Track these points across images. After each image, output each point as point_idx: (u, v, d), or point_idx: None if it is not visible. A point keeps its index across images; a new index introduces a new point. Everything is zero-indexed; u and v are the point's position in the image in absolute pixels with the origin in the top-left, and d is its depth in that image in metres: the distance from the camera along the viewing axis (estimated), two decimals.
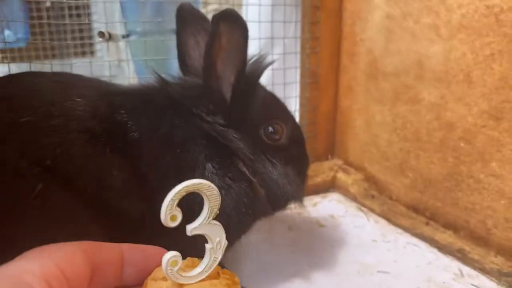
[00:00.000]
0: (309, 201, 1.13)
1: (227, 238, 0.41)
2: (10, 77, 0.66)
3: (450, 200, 0.91)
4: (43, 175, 0.54)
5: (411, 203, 1.01)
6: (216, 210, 0.39)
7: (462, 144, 0.87)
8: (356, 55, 1.11)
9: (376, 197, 1.09)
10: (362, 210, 1.08)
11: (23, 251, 0.41)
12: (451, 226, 0.92)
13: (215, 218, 0.39)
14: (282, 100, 0.81)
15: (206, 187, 0.38)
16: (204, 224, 0.39)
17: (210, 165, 0.66)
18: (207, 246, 0.40)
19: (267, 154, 0.71)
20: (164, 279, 0.39)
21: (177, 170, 0.64)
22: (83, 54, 1.67)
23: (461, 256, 0.86)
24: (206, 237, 0.40)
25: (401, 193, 1.03)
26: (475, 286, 0.79)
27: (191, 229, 0.39)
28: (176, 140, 0.65)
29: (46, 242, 0.47)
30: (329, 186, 1.19)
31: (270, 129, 0.72)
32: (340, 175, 1.17)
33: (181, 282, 0.39)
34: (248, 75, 0.70)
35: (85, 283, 0.38)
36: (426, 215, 0.97)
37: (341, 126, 1.20)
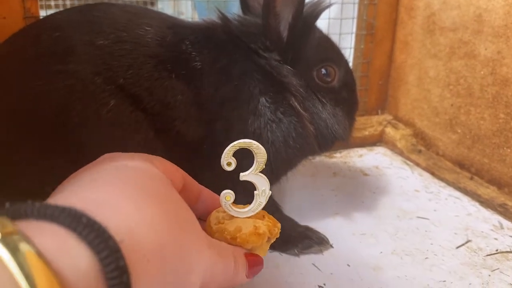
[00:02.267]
0: (355, 152, 1.17)
1: (275, 170, 0.53)
2: (88, 6, 0.73)
3: (497, 156, 0.92)
4: (115, 93, 0.61)
5: (457, 159, 1.02)
6: (262, 165, 0.48)
7: None
8: (414, 9, 1.10)
9: (423, 152, 1.10)
10: (407, 164, 1.10)
11: (96, 157, 0.47)
12: (496, 182, 0.93)
13: (261, 172, 0.49)
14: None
15: (255, 146, 0.48)
16: (252, 174, 0.49)
17: (264, 99, 0.70)
18: (255, 192, 0.50)
19: (318, 94, 0.74)
20: (223, 212, 0.50)
21: (233, 101, 0.69)
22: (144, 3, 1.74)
23: (503, 211, 0.88)
24: (254, 184, 0.49)
25: (448, 148, 1.04)
26: None
27: (242, 175, 0.49)
28: (234, 73, 0.69)
29: (116, 150, 0.54)
30: (376, 140, 1.21)
31: (323, 71, 0.74)
32: (389, 130, 1.19)
33: (233, 214, 0.50)
34: (305, 16, 0.72)
35: (180, 184, 0.48)
36: (471, 170, 0.98)
37: (394, 81, 1.21)
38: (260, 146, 0.48)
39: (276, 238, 0.77)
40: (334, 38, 0.81)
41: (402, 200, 0.93)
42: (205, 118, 0.67)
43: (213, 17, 0.76)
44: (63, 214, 0.30)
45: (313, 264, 0.71)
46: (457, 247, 0.77)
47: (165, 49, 0.66)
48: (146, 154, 0.47)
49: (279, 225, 0.51)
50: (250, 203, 0.51)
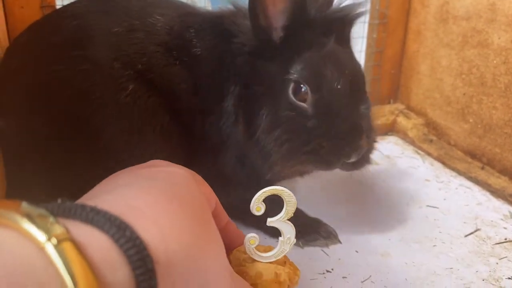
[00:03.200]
0: None
1: None
2: None
3: (509, 146, 0.92)
4: (134, 78, 0.63)
5: (468, 148, 1.02)
6: (291, 214, 0.50)
7: None
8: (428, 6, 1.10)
9: (435, 141, 1.10)
10: (418, 153, 1.10)
11: (112, 139, 0.49)
12: (507, 172, 0.93)
13: (289, 220, 0.50)
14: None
15: (286, 194, 0.49)
16: (280, 221, 0.50)
17: (234, 92, 0.68)
18: (280, 238, 0.50)
19: (281, 107, 0.66)
20: (244, 253, 0.50)
21: (219, 94, 0.68)
22: None
23: None
24: (281, 231, 0.50)
25: (460, 138, 1.04)
26: None
27: (270, 221, 0.50)
28: (226, 64, 0.68)
29: (133, 132, 0.55)
30: (388, 130, 1.21)
31: (297, 88, 0.65)
32: (400, 119, 1.19)
33: (255, 258, 0.50)
34: (312, 20, 0.66)
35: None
36: (483, 160, 0.98)
37: (406, 71, 1.21)
38: (292, 194, 0.49)
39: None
40: None
41: (412, 189, 0.94)
42: (203, 108, 0.68)
43: (229, 6, 0.76)
44: (108, 223, 0.31)
45: (322, 250, 0.72)
46: (466, 236, 0.78)
47: (172, 37, 0.68)
48: (188, 169, 0.46)
49: (299, 272, 0.53)
50: (249, 201, 0.49)
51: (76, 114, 0.61)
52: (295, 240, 0.50)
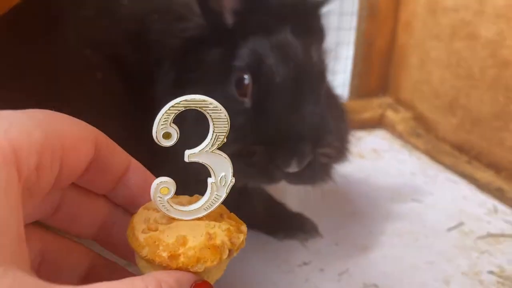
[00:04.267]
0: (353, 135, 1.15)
1: None
2: None
3: (496, 140, 0.90)
4: (102, 64, 0.62)
5: (456, 142, 1.01)
6: (222, 138, 0.32)
7: None
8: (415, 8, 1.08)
9: (423, 135, 1.09)
10: (405, 147, 1.09)
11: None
12: (494, 166, 0.91)
13: (221, 148, 0.33)
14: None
15: (211, 107, 0.31)
16: (206, 152, 0.32)
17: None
18: (209, 180, 0.33)
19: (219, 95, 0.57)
20: (157, 210, 0.33)
21: (172, 82, 0.63)
22: None
23: (499, 195, 0.87)
24: (209, 168, 0.33)
25: (448, 132, 1.03)
26: (508, 221, 0.79)
27: (189, 154, 0.32)
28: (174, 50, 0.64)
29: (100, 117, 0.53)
30: (376, 123, 1.20)
31: (246, 79, 0.58)
32: (389, 113, 1.18)
33: (172, 215, 0.33)
34: (267, 6, 0.61)
35: (84, 161, 0.33)
36: (470, 154, 0.97)
37: (396, 63, 1.19)
38: (220, 107, 0.31)
39: (263, 221, 0.74)
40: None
41: (398, 183, 0.92)
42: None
43: None
44: None
45: (300, 242, 0.71)
46: (449, 229, 0.77)
47: (135, 23, 0.65)
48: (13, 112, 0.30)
49: (244, 228, 0.35)
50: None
51: (45, 97, 0.60)
52: (233, 180, 0.33)
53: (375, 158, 1.04)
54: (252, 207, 0.72)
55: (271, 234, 0.72)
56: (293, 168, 0.55)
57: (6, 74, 0.62)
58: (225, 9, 0.60)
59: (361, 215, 0.80)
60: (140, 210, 0.35)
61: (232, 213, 0.36)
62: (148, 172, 0.37)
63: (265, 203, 0.74)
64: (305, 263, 0.66)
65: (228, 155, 0.35)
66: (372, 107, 1.19)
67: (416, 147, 1.07)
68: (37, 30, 0.63)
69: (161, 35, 0.64)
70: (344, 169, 0.97)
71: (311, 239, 0.72)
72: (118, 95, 0.62)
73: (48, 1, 0.65)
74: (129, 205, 0.37)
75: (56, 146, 0.29)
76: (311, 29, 0.63)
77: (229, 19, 0.60)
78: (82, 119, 0.33)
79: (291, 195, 0.82)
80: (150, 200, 0.33)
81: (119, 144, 0.36)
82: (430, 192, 0.89)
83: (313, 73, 0.61)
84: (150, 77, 0.62)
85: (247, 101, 0.58)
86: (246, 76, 0.58)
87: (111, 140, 0.35)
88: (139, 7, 0.67)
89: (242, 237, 0.34)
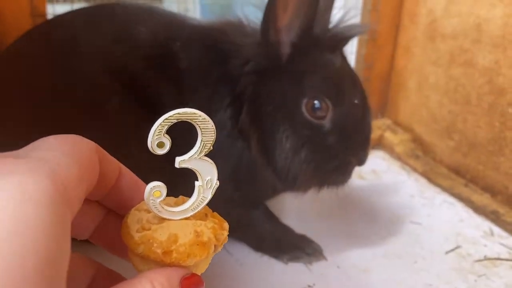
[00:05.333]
0: None
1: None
2: (94, 8, 0.75)
3: (491, 164, 0.93)
4: (119, 90, 0.63)
5: (453, 165, 1.04)
6: (209, 146, 0.35)
7: (510, 110, 0.88)
8: (417, 15, 1.12)
9: (420, 157, 1.12)
10: (404, 169, 1.11)
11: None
12: (489, 190, 0.94)
13: (207, 155, 0.36)
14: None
15: (200, 119, 0.34)
16: (194, 159, 0.36)
17: (230, 110, 0.67)
18: (196, 183, 0.36)
19: (297, 125, 0.66)
20: (148, 211, 0.37)
21: (207, 109, 0.65)
22: None
23: (494, 218, 0.89)
24: (196, 173, 0.36)
25: (445, 155, 1.06)
26: (504, 245, 0.82)
27: (180, 161, 0.35)
28: (210, 79, 0.68)
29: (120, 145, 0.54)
30: (375, 144, 1.22)
31: (316, 103, 0.66)
32: (388, 135, 1.21)
33: (163, 216, 0.36)
34: (327, 37, 0.67)
35: (95, 179, 0.34)
36: (467, 177, 1.00)
37: (394, 86, 1.22)
38: (208, 119, 0.34)
39: (269, 244, 0.77)
40: None
41: (396, 205, 0.95)
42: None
43: (220, 18, 0.75)
44: None
45: (304, 264, 0.73)
46: (447, 252, 0.79)
47: (155, 50, 0.67)
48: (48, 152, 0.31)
49: (226, 225, 0.39)
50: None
51: (62, 125, 0.62)
52: (218, 183, 0.37)
53: (374, 179, 1.06)
54: (259, 232, 0.75)
55: (276, 257, 0.75)
56: (361, 164, 0.71)
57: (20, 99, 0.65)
58: (282, 41, 0.65)
59: (362, 237, 0.82)
60: (132, 211, 0.38)
61: (215, 213, 0.39)
62: (136, 177, 0.40)
63: (271, 225, 0.76)
64: (309, 286, 0.68)
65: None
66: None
67: (415, 169, 1.10)
68: (50, 61, 0.65)
69: (195, 64, 0.67)
70: (344, 190, 1.00)
71: (316, 261, 0.74)
72: (137, 124, 0.64)
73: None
74: (120, 208, 0.40)
75: (85, 174, 0.31)
76: (344, 53, 0.73)
77: (285, 51, 0.66)
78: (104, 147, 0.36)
79: (291, 216, 0.84)
80: (139, 202, 0.38)
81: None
82: (428, 214, 0.92)
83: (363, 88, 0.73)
84: (177, 103, 0.65)
85: (326, 123, 0.66)
86: (316, 102, 0.65)
87: (103, 149, 0.37)
88: (158, 34, 0.68)
89: (225, 233, 0.37)
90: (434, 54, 1.07)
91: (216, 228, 0.36)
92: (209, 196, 0.37)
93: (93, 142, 0.35)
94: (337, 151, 0.67)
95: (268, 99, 0.66)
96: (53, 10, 0.90)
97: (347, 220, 0.88)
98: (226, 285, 0.66)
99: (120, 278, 0.41)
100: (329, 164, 0.68)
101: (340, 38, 0.70)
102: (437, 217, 0.91)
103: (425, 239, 0.83)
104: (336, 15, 0.82)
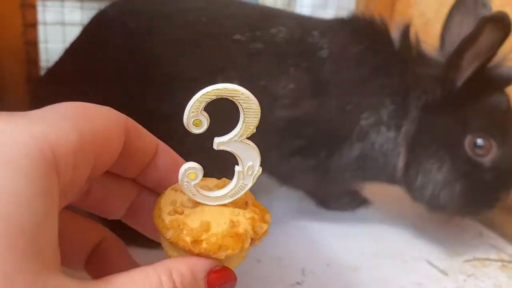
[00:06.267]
0: None
1: None
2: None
3: None
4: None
5: None
6: (252, 128, 0.32)
7: None
8: (409, 17, 1.12)
9: None
10: None
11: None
12: None
13: (250, 138, 0.33)
14: None
15: (243, 97, 0.30)
16: (235, 141, 0.32)
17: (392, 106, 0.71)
18: (236, 168, 0.33)
19: (456, 158, 0.69)
20: (184, 192, 0.34)
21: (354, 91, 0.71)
22: None
23: (484, 219, 0.89)
24: (236, 157, 0.33)
25: None
26: (492, 245, 0.82)
27: (218, 142, 0.32)
28: (368, 64, 0.72)
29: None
30: None
31: (479, 141, 0.68)
32: None
33: (198, 200, 0.33)
34: (495, 76, 0.69)
35: (115, 153, 0.33)
36: None
37: None
38: (252, 97, 0.31)
39: (317, 197, 0.83)
40: None
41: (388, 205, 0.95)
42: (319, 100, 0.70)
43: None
44: None
45: (294, 262, 0.72)
46: (436, 252, 0.79)
47: (290, 46, 0.69)
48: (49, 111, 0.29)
49: (268, 217, 0.35)
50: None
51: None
52: (260, 170, 0.33)
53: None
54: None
55: (328, 207, 0.83)
56: None
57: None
58: (460, 77, 0.68)
59: (353, 236, 0.82)
60: (168, 190, 0.35)
61: (257, 201, 0.36)
62: (176, 154, 0.37)
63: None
64: (298, 283, 0.67)
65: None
66: None
67: None
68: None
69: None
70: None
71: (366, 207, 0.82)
72: None
73: None
74: (157, 187, 0.38)
75: (90, 144, 0.29)
76: None
77: (456, 86, 0.69)
78: None
79: (279, 210, 0.84)
80: (177, 181, 0.34)
81: None
82: (420, 214, 0.92)
83: None
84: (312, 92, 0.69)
85: (486, 161, 0.68)
86: (480, 140, 0.68)
87: (139, 125, 0.35)
88: (295, 31, 0.71)
89: (265, 226, 0.34)
90: None
91: (255, 219, 0.33)
92: (250, 184, 0.34)
93: (125, 116, 0.33)
94: (492, 189, 0.70)
95: (429, 128, 0.70)
96: (43, 2, 0.89)
97: (337, 219, 0.87)
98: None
99: (126, 253, 0.40)
100: (482, 202, 0.72)
101: (508, 78, 0.70)
102: (426, 217, 0.91)
103: (416, 239, 0.83)
104: (329, 15, 0.84)
